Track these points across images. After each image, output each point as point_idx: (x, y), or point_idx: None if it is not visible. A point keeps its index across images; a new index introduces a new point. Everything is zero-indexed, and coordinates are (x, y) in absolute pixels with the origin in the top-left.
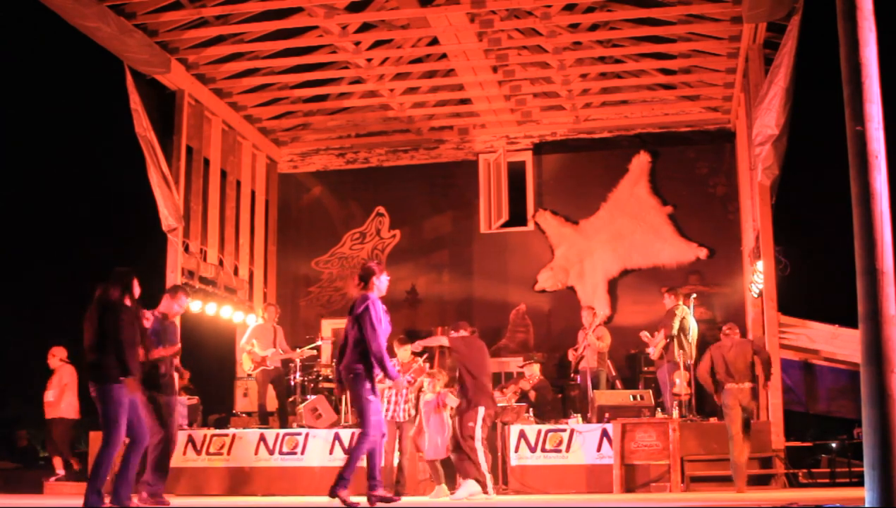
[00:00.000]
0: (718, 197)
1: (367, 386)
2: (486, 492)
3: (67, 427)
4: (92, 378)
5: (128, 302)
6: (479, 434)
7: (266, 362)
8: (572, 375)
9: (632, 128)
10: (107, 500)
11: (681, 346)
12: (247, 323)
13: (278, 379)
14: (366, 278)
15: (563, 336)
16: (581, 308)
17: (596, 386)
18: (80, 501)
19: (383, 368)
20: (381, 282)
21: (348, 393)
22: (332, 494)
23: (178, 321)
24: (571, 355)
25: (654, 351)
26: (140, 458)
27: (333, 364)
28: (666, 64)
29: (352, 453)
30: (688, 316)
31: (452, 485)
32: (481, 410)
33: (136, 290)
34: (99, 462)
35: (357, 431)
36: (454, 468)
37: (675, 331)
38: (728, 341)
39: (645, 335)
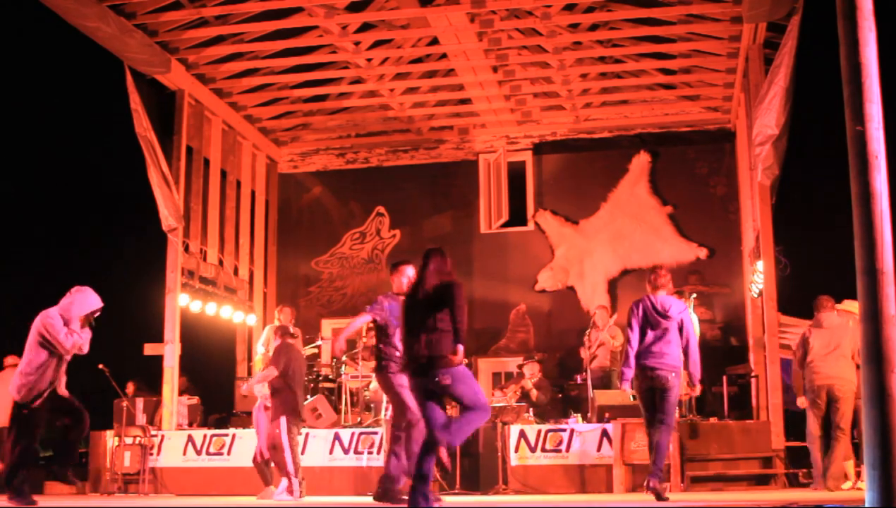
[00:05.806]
0: (718, 197)
1: None
2: (291, 494)
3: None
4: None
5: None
6: (285, 438)
7: None
8: (583, 374)
9: (632, 128)
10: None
11: None
12: (247, 324)
13: None
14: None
15: (563, 336)
16: (596, 306)
17: (608, 386)
18: (79, 501)
19: (697, 369)
20: None
21: (668, 391)
22: (648, 486)
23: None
24: (584, 353)
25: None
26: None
27: (639, 361)
28: (666, 64)
29: (658, 445)
30: None
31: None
32: (283, 418)
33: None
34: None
35: (660, 426)
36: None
37: None
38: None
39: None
